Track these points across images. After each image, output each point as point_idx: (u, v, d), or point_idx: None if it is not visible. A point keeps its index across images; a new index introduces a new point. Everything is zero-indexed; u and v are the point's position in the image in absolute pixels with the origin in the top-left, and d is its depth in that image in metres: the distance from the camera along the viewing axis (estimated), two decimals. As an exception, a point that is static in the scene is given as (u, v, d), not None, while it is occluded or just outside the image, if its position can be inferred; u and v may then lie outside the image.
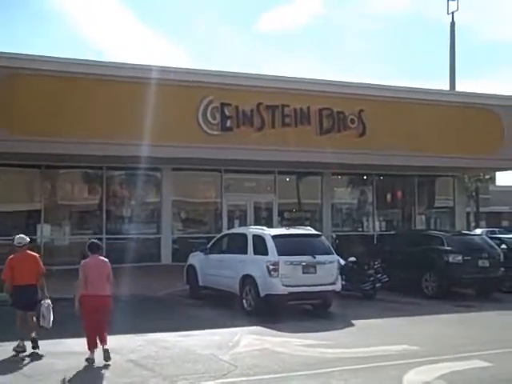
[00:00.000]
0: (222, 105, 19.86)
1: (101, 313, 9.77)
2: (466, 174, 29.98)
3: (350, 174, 26.19)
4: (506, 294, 17.87)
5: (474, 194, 48.74)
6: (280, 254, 13.99)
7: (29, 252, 10.66)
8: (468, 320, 14.17)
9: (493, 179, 51.46)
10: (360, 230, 26.57)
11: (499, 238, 20.84)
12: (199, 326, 12.58)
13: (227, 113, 19.97)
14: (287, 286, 13.84)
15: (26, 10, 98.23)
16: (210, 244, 17.10)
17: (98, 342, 9.74)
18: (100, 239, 21.41)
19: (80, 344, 10.05)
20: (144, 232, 22.42)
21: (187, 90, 19.25)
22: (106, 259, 10.20)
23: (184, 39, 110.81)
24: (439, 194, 28.67)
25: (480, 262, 17.56)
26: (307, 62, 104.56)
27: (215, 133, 19.82)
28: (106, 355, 9.56)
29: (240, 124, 20.11)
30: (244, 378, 8.84)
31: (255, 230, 15.63)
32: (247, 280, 14.43)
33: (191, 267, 17.15)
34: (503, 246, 19.18)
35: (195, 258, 17.24)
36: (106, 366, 9.42)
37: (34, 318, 10.40)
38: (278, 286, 13.84)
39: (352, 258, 17.75)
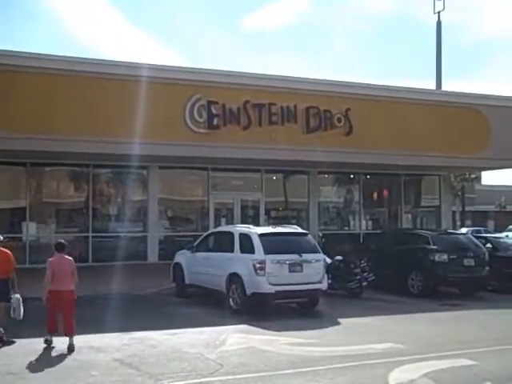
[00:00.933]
0: (209, 103, 19.81)
1: (65, 306, 10.61)
2: (452, 173, 30.17)
3: (337, 173, 26.27)
4: (491, 293, 17.97)
5: (459, 193, 49.04)
6: (266, 252, 13.99)
7: (1, 249, 11.21)
8: (453, 318, 14.24)
9: (478, 178, 51.76)
10: (346, 228, 26.65)
11: (484, 237, 21.00)
12: (185, 325, 12.55)
13: (214, 111, 19.92)
14: (274, 284, 13.85)
15: (16, 9, 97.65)
16: (197, 242, 17.06)
17: (57, 327, 10.58)
18: (86, 237, 21.58)
19: (64, 342, 10.11)
20: (130, 230, 22.35)
21: (174, 88, 19.18)
22: (70, 257, 10.96)
23: (172, 39, 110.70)
24: (425, 193, 28.83)
25: (465, 261, 17.66)
26: (294, 60, 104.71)
27: (202, 131, 19.77)
28: (71, 348, 10.24)
29: (227, 122, 20.07)
30: (230, 377, 8.83)
31: (242, 228, 15.63)
32: (234, 278, 14.42)
33: (178, 265, 17.10)
34: (488, 245, 19.32)
35: (182, 257, 17.20)
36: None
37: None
38: (265, 285, 13.83)
39: (338, 257, 17.77)
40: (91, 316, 12.72)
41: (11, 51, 17.74)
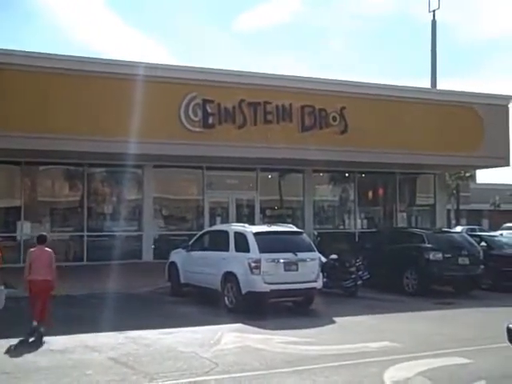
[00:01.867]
0: (204, 101, 19.81)
1: (41, 295, 11.14)
2: (446, 171, 30.18)
3: (332, 172, 26.27)
4: (486, 292, 18.01)
5: (454, 191, 49.12)
6: (262, 251, 13.98)
7: None
8: (448, 317, 14.26)
9: (473, 177, 51.83)
10: (342, 227, 26.65)
11: (479, 236, 21.04)
12: (180, 324, 12.52)
13: (209, 110, 19.93)
14: (269, 283, 13.84)
15: (14, 9, 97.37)
16: (192, 241, 17.04)
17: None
18: (81, 236, 21.54)
19: (62, 343, 10.00)
20: (125, 229, 22.31)
21: (169, 87, 19.17)
22: (49, 249, 11.49)
23: (166, 38, 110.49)
24: (420, 191, 28.86)
25: (460, 260, 17.70)
26: (291, 60, 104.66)
27: (197, 130, 19.77)
28: (39, 334, 10.76)
29: (222, 121, 20.07)
30: (225, 376, 8.82)
31: (237, 227, 15.61)
32: (229, 277, 14.41)
33: (173, 264, 17.08)
34: (483, 244, 19.36)
35: (177, 256, 17.18)
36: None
37: None
38: (260, 284, 13.83)
39: (333, 256, 17.78)
40: (86, 315, 12.67)
41: (7, 50, 17.72)
